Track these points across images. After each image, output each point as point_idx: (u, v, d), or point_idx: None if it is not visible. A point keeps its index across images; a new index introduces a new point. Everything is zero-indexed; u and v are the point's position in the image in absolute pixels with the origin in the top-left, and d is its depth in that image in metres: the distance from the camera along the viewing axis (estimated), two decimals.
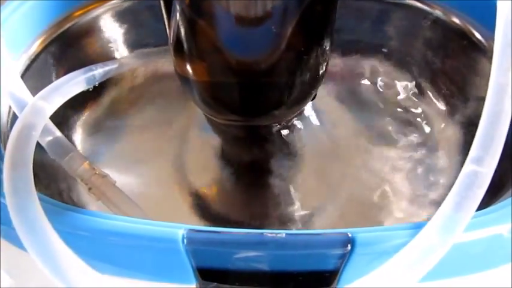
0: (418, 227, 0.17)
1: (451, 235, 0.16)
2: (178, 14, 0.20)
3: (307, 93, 0.24)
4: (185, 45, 0.21)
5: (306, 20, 0.20)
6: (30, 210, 0.17)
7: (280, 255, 0.17)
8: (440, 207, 0.17)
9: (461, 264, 0.18)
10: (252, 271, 0.17)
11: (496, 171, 0.22)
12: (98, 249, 0.17)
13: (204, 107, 0.24)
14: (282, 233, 0.17)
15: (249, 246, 0.17)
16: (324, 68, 0.23)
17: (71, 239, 0.17)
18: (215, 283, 0.17)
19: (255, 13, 0.19)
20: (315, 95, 0.24)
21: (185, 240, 0.17)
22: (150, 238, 0.17)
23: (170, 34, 0.22)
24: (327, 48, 0.22)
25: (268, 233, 0.17)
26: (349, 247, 0.17)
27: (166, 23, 0.22)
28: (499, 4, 0.21)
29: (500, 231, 0.18)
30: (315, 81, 0.23)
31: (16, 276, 0.22)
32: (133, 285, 0.18)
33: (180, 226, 0.17)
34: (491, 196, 0.22)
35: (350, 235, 0.17)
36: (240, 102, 0.23)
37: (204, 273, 0.17)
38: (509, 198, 0.20)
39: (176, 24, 0.21)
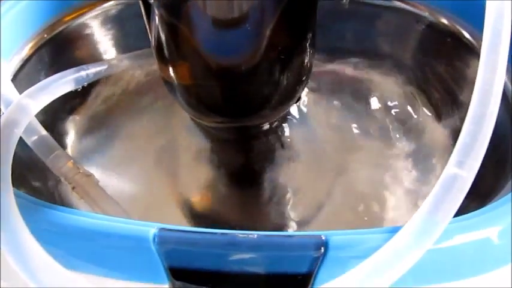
0: (394, 231, 0.17)
1: (426, 239, 0.16)
2: (157, 18, 0.20)
3: (291, 93, 0.24)
4: (166, 49, 0.22)
5: (285, 21, 0.20)
6: (3, 206, 0.17)
7: (252, 256, 0.17)
8: (417, 211, 0.17)
9: (449, 269, 0.18)
10: (224, 272, 0.17)
11: (485, 174, 0.21)
12: (70, 246, 0.17)
13: (189, 110, 0.24)
14: (253, 234, 0.16)
15: (220, 246, 0.17)
16: (307, 69, 0.23)
17: (44, 235, 0.17)
18: (187, 283, 0.17)
19: (233, 15, 0.19)
20: (300, 97, 0.24)
21: (156, 239, 0.17)
22: (122, 236, 0.17)
23: (151, 38, 0.22)
24: (309, 49, 0.22)
25: (240, 233, 0.17)
26: (322, 250, 0.16)
27: (147, 27, 0.22)
28: (487, 9, 0.21)
29: (488, 235, 0.18)
30: (298, 81, 0.23)
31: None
32: (106, 284, 0.18)
33: (152, 225, 0.17)
34: (481, 200, 0.22)
35: (324, 238, 0.17)
36: (223, 103, 0.23)
37: (176, 273, 0.17)
38: (498, 201, 0.19)
39: (156, 28, 0.21)
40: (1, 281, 0.24)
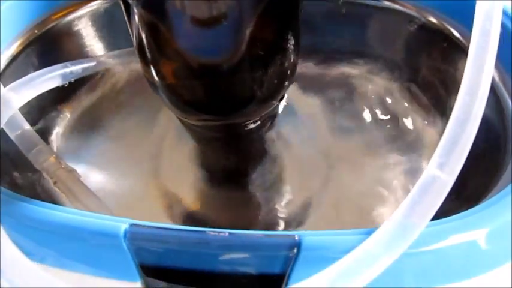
0: (368, 233, 0.16)
1: (400, 242, 0.15)
2: (136, 18, 0.20)
3: (275, 90, 0.23)
4: (147, 49, 0.21)
5: (267, 18, 0.20)
6: None
7: (223, 255, 0.16)
8: (393, 213, 0.16)
9: (435, 272, 0.17)
10: (196, 270, 0.17)
11: (471, 181, 0.21)
12: (41, 240, 0.17)
13: (173, 109, 0.24)
14: (225, 232, 0.16)
15: (191, 244, 0.16)
16: (290, 66, 0.23)
17: (16, 228, 0.17)
18: (159, 280, 0.17)
19: (212, 12, 0.19)
20: (284, 95, 0.24)
21: (127, 235, 0.16)
22: (92, 232, 0.17)
23: (133, 38, 0.22)
24: (293, 46, 0.22)
25: (211, 231, 0.16)
26: (295, 250, 0.16)
27: (129, 27, 0.22)
28: (476, 9, 0.21)
29: (475, 237, 0.17)
30: (282, 78, 0.23)
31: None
32: (79, 280, 0.17)
33: (124, 220, 0.17)
34: (473, 203, 0.21)
35: (297, 238, 0.16)
36: (207, 101, 0.23)
37: (147, 270, 0.17)
38: (484, 203, 0.19)
39: (136, 28, 0.21)
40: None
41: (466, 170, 0.18)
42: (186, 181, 0.28)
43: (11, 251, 0.16)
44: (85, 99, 0.31)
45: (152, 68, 0.22)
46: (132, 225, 0.17)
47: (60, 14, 0.29)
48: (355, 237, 0.16)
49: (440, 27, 0.27)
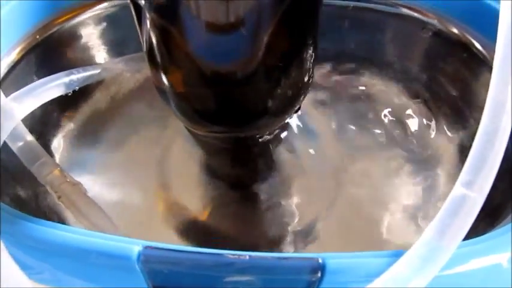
0: (397, 255, 0.15)
1: (432, 266, 0.15)
2: (148, 22, 0.19)
3: (290, 103, 0.23)
4: (158, 55, 0.21)
5: (284, 26, 0.19)
6: None
7: (242, 279, 0.15)
8: (422, 235, 0.16)
9: None
10: None
11: (494, 195, 0.20)
12: (52, 261, 0.17)
13: (183, 119, 0.23)
14: (245, 255, 0.15)
15: (208, 267, 0.15)
16: (307, 77, 0.22)
17: (25, 248, 0.16)
18: None
19: (228, 18, 0.18)
20: (299, 107, 0.23)
21: (141, 258, 0.16)
22: (105, 254, 0.16)
23: (143, 43, 0.21)
24: (310, 56, 0.21)
25: (229, 254, 0.15)
26: (319, 274, 0.15)
27: (139, 31, 0.21)
28: (500, 19, 0.20)
29: (499, 260, 0.17)
30: (298, 90, 0.22)
31: None
32: None
33: (137, 242, 0.16)
34: (490, 222, 0.21)
35: (321, 261, 0.15)
36: (219, 112, 0.22)
37: None
38: (509, 225, 0.18)
39: (147, 32, 0.20)
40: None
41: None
42: (193, 192, 0.28)
43: (12, 271, 0.15)
44: (87, 108, 0.30)
45: (163, 75, 0.22)
46: (145, 247, 0.16)
47: (63, 18, 0.28)
48: (382, 260, 0.15)
49: (461, 37, 0.27)
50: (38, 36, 0.28)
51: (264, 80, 0.21)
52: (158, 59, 0.21)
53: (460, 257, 0.16)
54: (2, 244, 0.15)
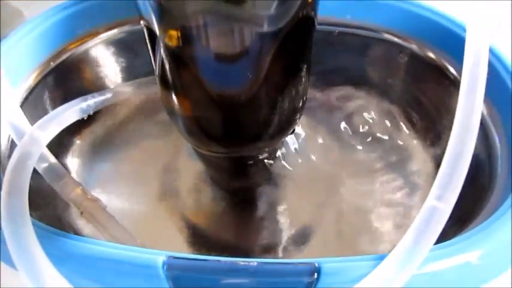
0: (380, 258, 0.18)
1: (409, 267, 0.18)
2: (162, 50, 0.22)
3: (287, 124, 0.25)
4: (169, 80, 0.23)
5: (282, 55, 0.22)
6: (23, 236, 0.18)
7: (252, 281, 0.18)
8: (401, 240, 0.19)
9: None
10: None
11: (462, 204, 0.23)
12: (84, 272, 0.19)
13: (189, 138, 0.25)
14: (253, 262, 0.18)
15: (224, 273, 0.18)
16: (302, 100, 0.24)
17: (61, 262, 0.18)
18: None
19: (233, 49, 0.20)
20: (294, 128, 0.26)
21: (165, 266, 0.18)
22: (133, 264, 0.18)
23: (155, 68, 0.24)
24: (304, 81, 0.24)
25: (241, 261, 0.18)
26: (315, 276, 0.18)
27: (151, 56, 0.24)
28: (465, 53, 0.23)
29: (469, 259, 0.20)
30: (294, 112, 0.25)
31: None
32: None
33: (161, 253, 0.19)
34: (459, 228, 0.24)
35: (317, 265, 0.18)
36: (223, 134, 0.24)
37: None
38: (475, 229, 0.21)
39: (160, 59, 0.22)
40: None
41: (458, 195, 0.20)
42: (197, 203, 0.30)
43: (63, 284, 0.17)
44: (97, 129, 0.32)
45: (173, 99, 0.24)
46: (169, 257, 0.18)
47: (74, 45, 0.30)
48: (368, 263, 0.18)
49: (436, 61, 0.29)
50: (51, 63, 0.30)
51: (265, 105, 0.23)
52: (170, 84, 0.23)
53: (434, 257, 0.19)
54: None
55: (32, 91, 0.29)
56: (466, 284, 0.20)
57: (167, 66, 0.23)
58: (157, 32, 0.21)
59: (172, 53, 0.22)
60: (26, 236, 0.18)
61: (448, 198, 0.19)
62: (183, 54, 0.22)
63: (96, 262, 0.19)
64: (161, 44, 0.22)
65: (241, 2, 0.19)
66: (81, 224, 0.27)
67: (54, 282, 0.17)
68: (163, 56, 0.22)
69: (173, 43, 0.21)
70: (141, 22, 0.22)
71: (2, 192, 0.20)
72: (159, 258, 0.18)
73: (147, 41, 0.23)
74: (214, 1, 0.19)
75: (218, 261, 0.18)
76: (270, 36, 0.21)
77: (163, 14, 0.20)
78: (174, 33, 0.21)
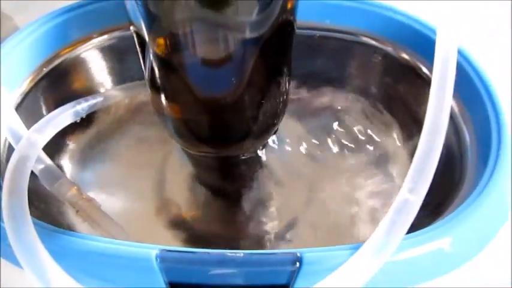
0: (356, 247, 0.20)
1: (383, 254, 0.19)
2: (151, 55, 0.23)
3: (270, 125, 0.27)
4: (158, 84, 0.24)
5: (264, 59, 0.23)
6: (25, 234, 0.19)
7: (239, 271, 0.20)
8: (375, 230, 0.20)
9: (412, 275, 0.21)
10: (216, 285, 0.20)
11: (436, 195, 0.25)
12: (83, 266, 0.20)
13: (178, 140, 0.27)
14: (240, 253, 0.20)
15: (213, 264, 0.20)
16: (283, 101, 0.26)
17: (60, 257, 0.20)
18: None
19: (218, 56, 0.22)
20: (277, 128, 0.27)
21: (158, 259, 0.20)
22: (128, 258, 0.20)
23: (145, 72, 0.25)
24: (285, 83, 0.25)
25: (229, 252, 0.20)
26: (297, 264, 0.20)
27: (141, 61, 0.25)
28: (436, 48, 0.25)
29: (442, 245, 0.21)
30: (277, 114, 0.26)
31: None
32: None
33: (154, 247, 0.20)
34: (432, 218, 0.25)
35: (299, 254, 0.20)
36: (210, 136, 0.26)
37: (175, 287, 0.20)
38: (447, 217, 0.23)
39: (150, 64, 0.24)
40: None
41: (430, 187, 0.22)
42: (185, 199, 0.31)
43: (64, 277, 0.19)
44: (89, 130, 0.33)
45: (162, 102, 0.25)
46: (161, 250, 0.20)
47: (66, 51, 0.31)
48: (346, 252, 0.20)
49: (410, 61, 0.31)
50: (44, 69, 0.31)
51: (249, 107, 0.25)
52: (159, 87, 0.24)
53: (409, 245, 0.21)
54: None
55: (26, 96, 0.30)
56: (440, 268, 0.22)
57: (156, 71, 0.24)
58: (147, 38, 0.22)
59: (160, 59, 0.23)
60: (27, 234, 0.19)
61: (419, 191, 0.21)
62: (171, 59, 0.23)
63: (94, 257, 0.20)
64: (150, 50, 0.23)
65: (224, 9, 0.20)
66: (74, 222, 0.28)
67: (55, 276, 0.19)
68: (153, 61, 0.23)
69: (161, 49, 0.23)
70: (131, 28, 0.24)
71: (2, 193, 0.21)
72: (153, 251, 0.20)
73: (137, 46, 0.24)
74: (200, 9, 0.20)
75: (207, 253, 0.20)
76: (253, 42, 0.22)
77: (151, 22, 0.22)
78: (161, 39, 0.22)
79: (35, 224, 0.20)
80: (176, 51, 0.23)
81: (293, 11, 0.24)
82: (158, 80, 0.24)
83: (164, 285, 0.20)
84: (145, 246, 0.20)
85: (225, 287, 0.20)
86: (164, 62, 0.23)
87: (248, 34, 0.22)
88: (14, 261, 0.19)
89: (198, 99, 0.24)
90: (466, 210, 0.23)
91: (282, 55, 0.25)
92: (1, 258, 0.23)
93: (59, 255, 0.20)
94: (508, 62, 0.42)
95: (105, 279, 0.20)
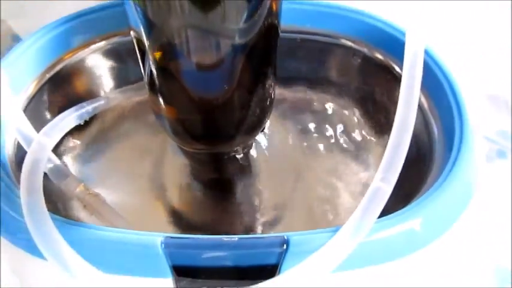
0: (335, 230, 0.23)
1: (358, 236, 0.22)
2: (150, 61, 0.25)
3: (258, 122, 0.29)
4: (157, 87, 0.26)
5: (252, 62, 0.25)
6: (44, 227, 0.22)
7: (234, 254, 0.22)
8: (352, 215, 0.23)
9: (386, 253, 0.24)
10: (215, 267, 0.23)
11: (407, 182, 0.27)
12: (95, 254, 0.23)
13: (174, 138, 0.29)
14: (235, 237, 0.22)
15: (212, 247, 0.22)
16: (270, 100, 0.28)
17: (75, 246, 0.22)
18: (186, 277, 0.23)
19: (211, 61, 0.24)
20: (265, 126, 0.30)
21: (163, 245, 0.22)
22: (136, 244, 0.23)
23: (144, 76, 0.27)
24: (271, 84, 0.27)
25: (225, 237, 0.23)
26: (284, 246, 0.22)
27: (141, 65, 0.27)
28: (405, 50, 0.27)
29: (413, 226, 0.24)
30: (264, 111, 0.28)
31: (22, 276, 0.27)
32: (125, 280, 0.23)
33: (159, 234, 0.23)
34: (407, 200, 0.27)
35: (286, 237, 0.22)
36: (203, 134, 0.28)
37: (178, 270, 0.23)
38: (417, 200, 0.26)
39: (149, 68, 0.26)
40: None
41: (401, 176, 0.25)
42: (180, 191, 0.34)
43: (82, 263, 0.21)
44: (90, 130, 0.35)
45: (161, 104, 0.27)
46: (166, 237, 0.23)
47: (67, 56, 0.33)
48: (326, 235, 0.23)
49: (384, 62, 0.33)
50: (47, 75, 0.33)
51: (238, 108, 0.27)
52: (157, 90, 0.26)
53: (384, 226, 0.23)
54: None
55: (30, 100, 0.32)
56: (413, 245, 0.24)
57: (154, 74, 0.26)
58: (146, 44, 0.24)
59: (157, 63, 0.25)
60: (47, 227, 0.22)
61: (389, 180, 0.24)
62: (167, 64, 0.25)
63: (106, 245, 0.23)
64: (149, 55, 0.25)
65: (216, 17, 0.22)
66: (79, 216, 0.30)
67: (75, 263, 0.21)
68: (151, 65, 0.25)
69: (158, 54, 0.25)
70: (131, 33, 0.25)
71: (21, 192, 0.23)
72: (158, 239, 0.22)
73: (137, 51, 0.26)
74: (193, 17, 0.22)
75: (206, 238, 0.23)
76: (242, 46, 0.24)
77: (150, 29, 0.24)
78: (159, 46, 0.24)
79: (51, 217, 0.23)
80: (172, 57, 0.25)
81: (278, 15, 0.26)
82: (156, 84, 0.26)
83: (168, 268, 0.23)
84: (151, 234, 0.23)
85: (222, 267, 0.23)
86: (161, 67, 0.25)
87: (238, 40, 0.24)
88: (36, 253, 0.22)
89: (192, 101, 0.27)
90: (434, 194, 0.25)
91: (268, 57, 0.27)
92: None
93: (74, 245, 0.22)
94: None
95: (116, 265, 0.23)
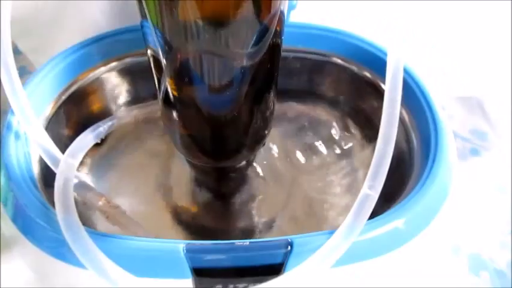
0: (331, 232, 0.26)
1: (351, 237, 0.26)
2: (167, 79, 0.26)
3: (261, 137, 0.31)
4: (171, 103, 0.28)
5: (258, 82, 0.27)
6: (81, 240, 0.25)
7: (246, 255, 0.26)
8: (345, 219, 0.27)
9: (376, 249, 0.27)
10: (229, 267, 0.26)
11: (390, 188, 0.31)
12: (126, 261, 0.26)
13: (184, 152, 0.31)
14: (247, 242, 0.26)
15: (226, 251, 0.26)
16: (272, 115, 0.30)
17: (109, 255, 0.25)
18: (205, 277, 0.27)
19: (222, 82, 0.26)
20: (265, 141, 0.33)
21: (185, 250, 0.26)
22: (161, 250, 0.26)
23: (159, 95, 0.29)
24: (273, 100, 0.30)
25: (238, 242, 0.26)
26: (289, 248, 0.26)
27: (156, 83, 0.28)
28: (387, 68, 0.31)
29: (397, 225, 0.27)
30: (266, 128, 0.31)
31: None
32: (151, 282, 0.26)
33: (181, 241, 0.26)
34: (390, 204, 0.31)
35: (290, 240, 0.26)
36: (211, 149, 0.31)
37: (197, 271, 0.26)
38: (400, 204, 0.29)
39: (165, 86, 0.27)
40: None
41: (385, 181, 0.27)
42: (187, 199, 0.37)
43: (117, 269, 0.25)
44: (102, 146, 0.38)
45: (173, 120, 0.29)
46: (187, 244, 0.26)
47: (86, 74, 0.36)
48: (324, 236, 0.26)
49: (371, 78, 0.36)
50: (63, 96, 0.36)
51: (243, 125, 0.29)
52: (171, 105, 0.28)
53: (372, 227, 0.26)
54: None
55: (49, 121, 0.35)
56: (397, 242, 0.27)
57: (170, 93, 0.27)
58: (163, 64, 0.25)
59: (174, 83, 0.26)
60: (84, 241, 0.25)
61: (376, 187, 0.26)
62: (183, 84, 0.26)
63: (136, 252, 0.26)
64: (166, 75, 0.26)
65: (227, 39, 0.23)
66: (104, 226, 0.33)
67: (113, 271, 0.25)
68: (167, 84, 0.26)
69: (175, 75, 0.26)
70: (148, 52, 0.26)
71: (57, 211, 0.26)
72: (180, 245, 0.26)
73: (153, 69, 0.27)
74: (208, 43, 0.23)
75: (222, 243, 0.26)
76: (250, 67, 0.25)
77: (167, 50, 0.24)
78: (176, 67, 0.25)
79: (86, 231, 0.26)
80: (187, 76, 0.26)
81: (281, 36, 0.27)
82: (171, 99, 0.27)
83: (189, 270, 0.26)
84: (174, 242, 0.26)
85: (235, 267, 0.26)
86: (176, 86, 0.27)
87: (249, 60, 0.25)
88: (74, 262, 0.25)
89: (203, 118, 0.28)
90: (414, 198, 0.28)
91: (272, 75, 0.28)
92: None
93: (109, 254, 0.25)
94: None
95: (144, 269, 0.26)
